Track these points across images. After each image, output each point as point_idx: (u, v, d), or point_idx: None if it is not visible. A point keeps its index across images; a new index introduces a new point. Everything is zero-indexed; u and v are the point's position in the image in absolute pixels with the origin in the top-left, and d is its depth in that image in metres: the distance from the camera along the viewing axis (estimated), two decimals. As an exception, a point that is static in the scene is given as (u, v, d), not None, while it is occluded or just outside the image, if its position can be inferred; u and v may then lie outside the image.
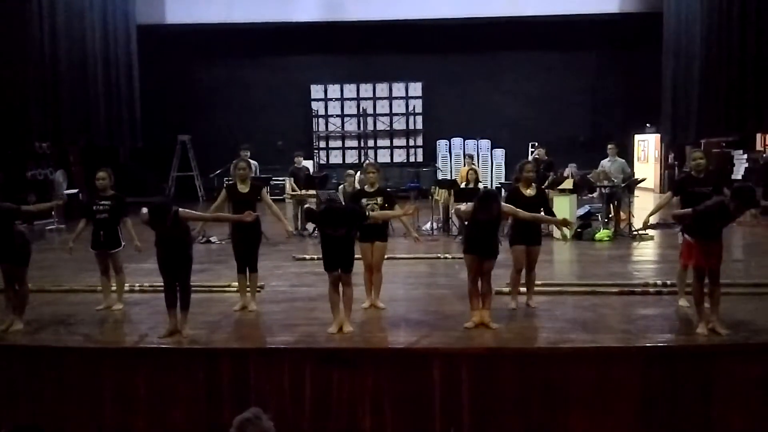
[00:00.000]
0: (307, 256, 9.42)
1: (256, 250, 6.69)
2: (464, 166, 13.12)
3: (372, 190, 6.60)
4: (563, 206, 10.95)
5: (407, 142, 20.57)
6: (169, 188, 19.02)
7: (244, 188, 6.65)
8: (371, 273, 6.62)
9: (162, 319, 6.17)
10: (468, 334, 5.74)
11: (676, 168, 19.11)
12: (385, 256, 6.79)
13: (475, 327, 5.83)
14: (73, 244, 6.67)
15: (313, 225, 11.49)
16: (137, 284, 7.51)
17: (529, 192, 6.53)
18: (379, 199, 6.50)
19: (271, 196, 7.68)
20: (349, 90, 20.40)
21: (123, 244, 6.75)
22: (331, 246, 5.82)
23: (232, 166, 6.87)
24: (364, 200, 6.50)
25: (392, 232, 11.81)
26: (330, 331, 5.78)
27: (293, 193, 11.94)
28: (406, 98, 20.36)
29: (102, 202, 6.59)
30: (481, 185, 11.50)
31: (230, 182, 6.88)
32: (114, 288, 6.82)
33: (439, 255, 9.49)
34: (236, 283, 6.94)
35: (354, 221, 5.80)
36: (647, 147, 20.04)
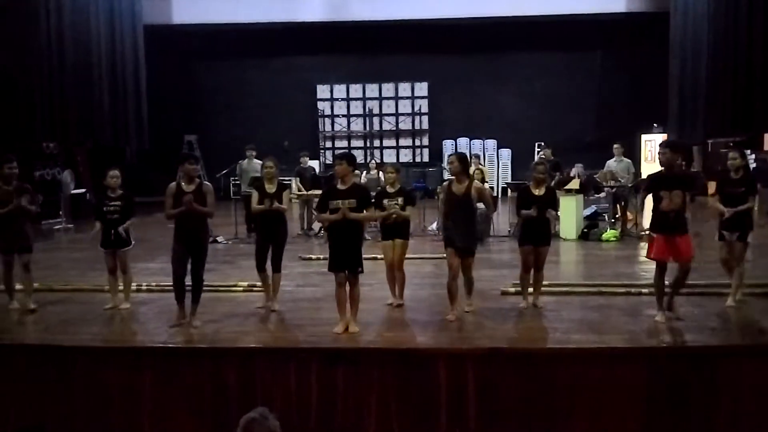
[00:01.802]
0: (313, 256, 9.43)
1: (281, 250, 6.67)
2: (470, 165, 13.08)
3: (393, 190, 6.72)
4: (570, 206, 10.94)
5: (413, 141, 20.58)
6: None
7: (271, 188, 6.61)
8: (393, 271, 6.70)
9: (168, 319, 6.24)
10: (474, 335, 5.75)
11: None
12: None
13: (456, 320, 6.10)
14: (89, 243, 6.89)
15: (320, 224, 11.63)
16: (144, 284, 7.54)
17: (539, 192, 6.55)
18: (400, 200, 6.64)
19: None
20: (355, 90, 20.41)
21: (132, 243, 6.82)
22: (338, 233, 5.74)
23: (260, 166, 6.84)
24: (385, 201, 6.62)
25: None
26: (336, 330, 5.79)
27: (299, 193, 11.96)
28: (412, 98, 20.37)
29: (112, 203, 6.67)
30: (487, 185, 11.50)
31: (258, 182, 6.92)
32: (121, 287, 6.86)
33: (445, 255, 9.45)
34: (243, 282, 7.22)
35: (364, 195, 5.84)
36: (654, 147, 19.96)
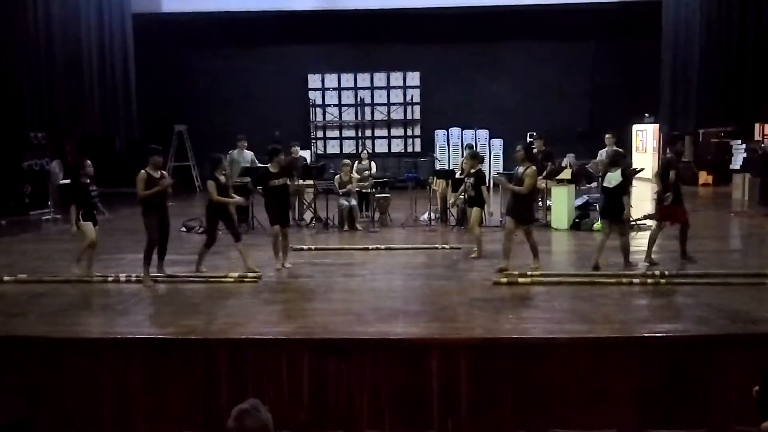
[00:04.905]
0: (305, 247, 9.38)
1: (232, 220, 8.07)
2: (464, 156, 13.09)
3: (473, 171, 8.87)
4: (561, 196, 10.95)
5: (405, 131, 20.50)
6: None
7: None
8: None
9: (159, 310, 6.29)
10: (466, 325, 5.74)
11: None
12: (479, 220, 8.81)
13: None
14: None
15: (311, 215, 11.70)
16: (134, 275, 7.47)
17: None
18: (472, 180, 8.80)
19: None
20: (347, 79, 20.30)
21: None
22: (275, 199, 7.97)
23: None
24: (466, 179, 9.14)
25: (390, 222, 11.84)
26: (277, 267, 7.77)
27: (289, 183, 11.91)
28: (404, 88, 20.28)
29: (93, 188, 7.70)
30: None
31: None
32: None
33: (437, 245, 9.46)
34: (233, 273, 7.49)
35: (288, 175, 8.29)
36: (645, 137, 20.00)
